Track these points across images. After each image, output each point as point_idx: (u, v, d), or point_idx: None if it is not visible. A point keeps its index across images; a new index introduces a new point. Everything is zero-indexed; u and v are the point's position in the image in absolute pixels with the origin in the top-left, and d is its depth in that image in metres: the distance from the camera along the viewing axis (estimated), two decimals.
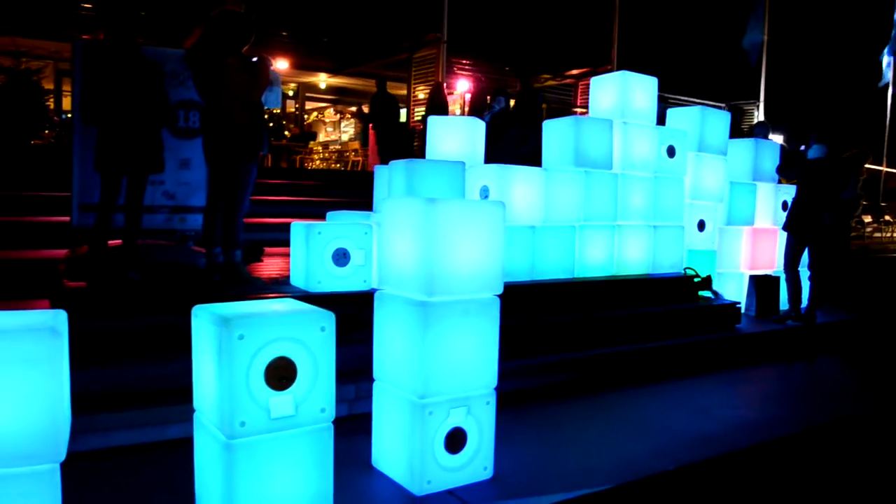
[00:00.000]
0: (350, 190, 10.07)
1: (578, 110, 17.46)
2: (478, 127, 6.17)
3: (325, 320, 2.66)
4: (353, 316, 4.15)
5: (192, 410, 2.79)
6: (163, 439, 3.52)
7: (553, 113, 14.56)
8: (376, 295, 3.34)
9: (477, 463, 3.27)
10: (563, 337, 5.15)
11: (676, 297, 6.26)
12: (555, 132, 5.97)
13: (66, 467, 2.18)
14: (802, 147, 7.67)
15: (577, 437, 4.02)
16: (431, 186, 5.00)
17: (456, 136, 6.07)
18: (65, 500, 2.20)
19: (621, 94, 6.11)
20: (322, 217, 5.78)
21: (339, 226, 4.54)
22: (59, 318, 2.21)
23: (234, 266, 4.82)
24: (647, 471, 3.57)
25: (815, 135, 6.74)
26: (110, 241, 4.88)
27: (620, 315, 5.55)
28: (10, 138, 10.23)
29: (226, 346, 2.44)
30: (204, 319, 2.61)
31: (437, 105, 11.53)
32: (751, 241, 7.15)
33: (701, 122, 6.68)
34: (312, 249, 4.44)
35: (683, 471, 3.69)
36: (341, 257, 4.53)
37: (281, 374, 2.56)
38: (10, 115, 10.37)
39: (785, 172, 7.04)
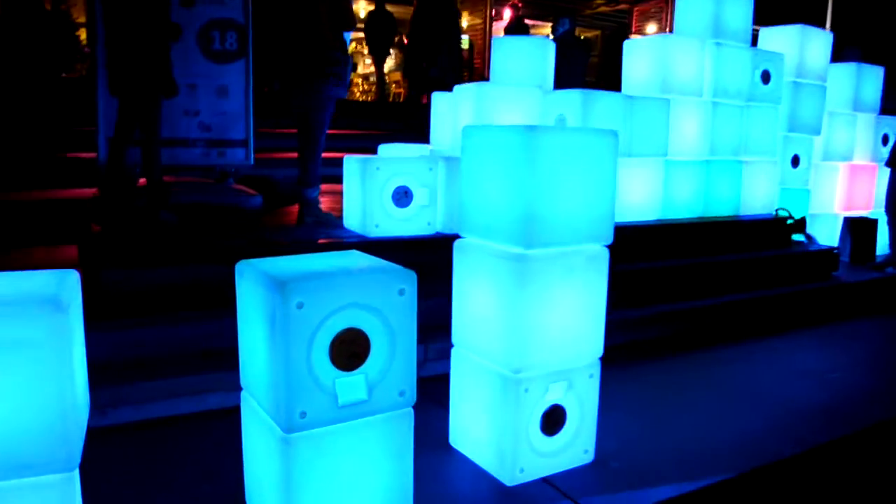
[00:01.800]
0: (397, 121, 9.40)
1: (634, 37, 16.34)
2: (548, 48, 5.43)
3: (405, 281, 2.09)
4: (418, 264, 3.59)
5: (238, 381, 2.28)
6: (203, 409, 3.04)
7: (607, 41, 13.55)
8: (456, 245, 2.75)
9: (577, 446, 2.73)
10: (645, 288, 4.53)
11: (767, 241, 5.57)
12: (638, 53, 5.22)
13: (90, 447, 1.68)
14: None
15: (678, 407, 3.45)
16: (503, 114, 4.34)
17: (523, 58, 5.34)
18: (90, 491, 1.71)
19: (711, 9, 5.30)
20: (372, 151, 5.18)
21: (400, 161, 3.93)
22: (66, 284, 1.67)
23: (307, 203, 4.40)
24: (771, 453, 2.99)
25: None
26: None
27: (707, 262, 4.91)
28: (41, 72, 9.71)
29: (281, 316, 1.88)
30: (252, 280, 2.05)
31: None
32: (847, 178, 6.38)
33: (800, 43, 5.83)
34: (369, 188, 3.85)
35: (812, 454, 3.10)
36: (402, 196, 3.93)
37: (350, 349, 2.01)
38: (41, 48, 9.82)
39: (888, 103, 6.18)
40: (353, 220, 4.11)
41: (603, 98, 4.71)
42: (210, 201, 4.60)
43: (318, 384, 1.96)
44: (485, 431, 2.65)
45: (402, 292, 2.08)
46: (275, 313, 1.90)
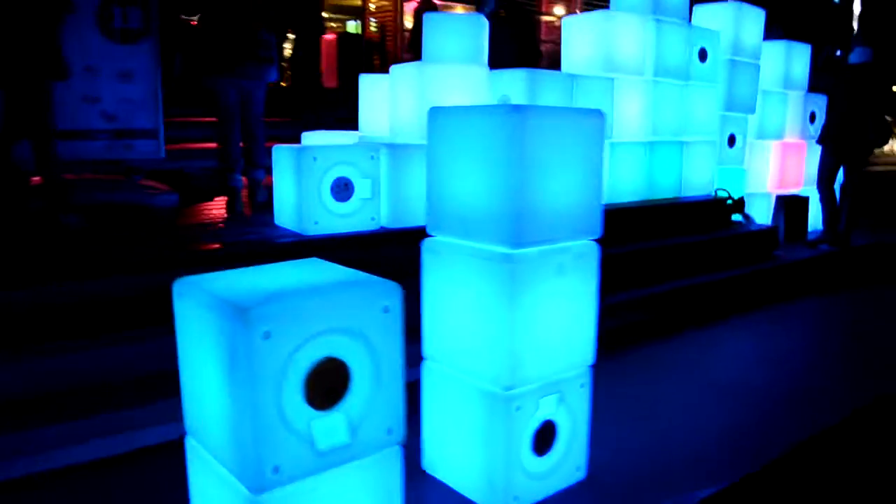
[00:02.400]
0: (309, 108, 8.89)
1: (545, 18, 16.29)
2: (483, 25, 5.09)
3: (389, 296, 1.72)
4: (366, 263, 3.24)
5: (173, 413, 1.86)
6: (129, 450, 2.58)
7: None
8: (426, 245, 2.39)
9: (569, 463, 2.44)
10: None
11: (709, 223, 5.48)
12: (578, 30, 4.98)
13: None
14: (839, 53, 6.84)
15: (657, 403, 3.24)
16: (446, 96, 3.99)
17: (455, 36, 4.99)
18: None
19: None
20: (294, 140, 4.72)
21: (339, 149, 3.53)
22: None
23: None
24: (763, 455, 2.81)
25: (858, 36, 5.91)
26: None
27: (653, 248, 4.74)
28: None
29: (244, 350, 1.48)
30: (199, 303, 1.64)
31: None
32: (780, 156, 6.38)
33: (735, 20, 5.74)
34: (306, 180, 3.43)
35: (797, 453, 2.95)
36: (342, 189, 3.53)
37: (328, 384, 1.63)
38: None
39: (822, 79, 6.20)
40: (286, 216, 3.67)
41: (548, 77, 4.44)
42: (117, 201, 4.05)
43: (290, 429, 1.57)
44: (469, 456, 2.33)
45: (386, 310, 1.71)
46: (235, 347, 1.50)
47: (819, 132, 6.16)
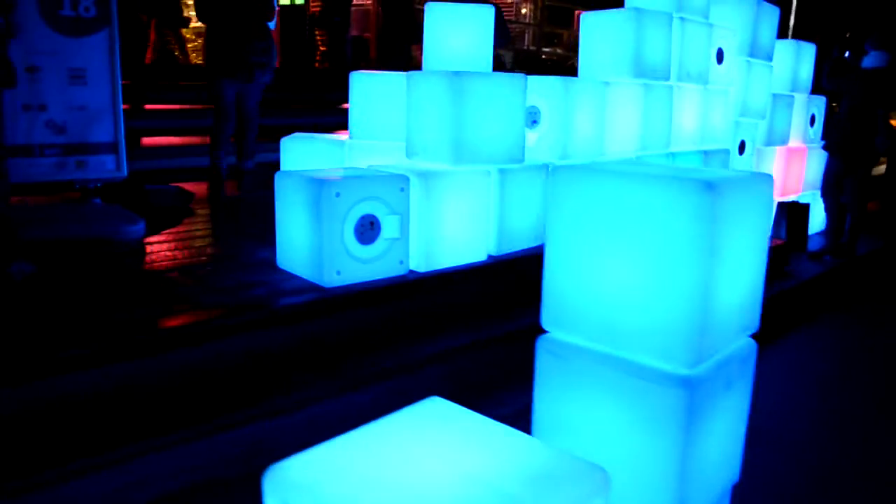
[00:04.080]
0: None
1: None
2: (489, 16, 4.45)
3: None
4: (400, 318, 2.75)
5: None
6: None
7: None
8: (544, 344, 1.80)
9: None
10: None
11: None
12: (599, 28, 4.42)
13: None
14: (847, 54, 6.52)
15: None
16: (482, 113, 3.37)
17: (463, 30, 4.34)
18: None
19: None
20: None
21: (366, 180, 2.85)
22: None
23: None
24: None
25: (874, 39, 5.58)
26: None
27: None
28: None
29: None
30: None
31: None
32: (784, 162, 6.05)
33: (754, 18, 5.30)
34: (327, 221, 2.73)
35: None
36: (367, 229, 2.88)
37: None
38: None
39: (833, 83, 5.84)
40: (296, 261, 2.98)
41: (581, 86, 3.87)
42: (70, 235, 3.26)
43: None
44: None
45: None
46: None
47: (824, 137, 5.85)
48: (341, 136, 4.79)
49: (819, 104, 6.31)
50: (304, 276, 2.93)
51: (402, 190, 2.96)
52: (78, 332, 2.32)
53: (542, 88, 3.75)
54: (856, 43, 5.67)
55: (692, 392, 1.56)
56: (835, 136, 5.74)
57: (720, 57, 5.07)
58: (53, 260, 3.09)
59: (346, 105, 4.63)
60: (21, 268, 2.77)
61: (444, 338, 2.93)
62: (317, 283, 2.85)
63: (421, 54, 4.20)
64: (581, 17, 4.63)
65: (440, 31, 3.97)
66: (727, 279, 1.61)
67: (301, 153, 4.49)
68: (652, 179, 1.59)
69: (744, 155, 5.63)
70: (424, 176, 3.05)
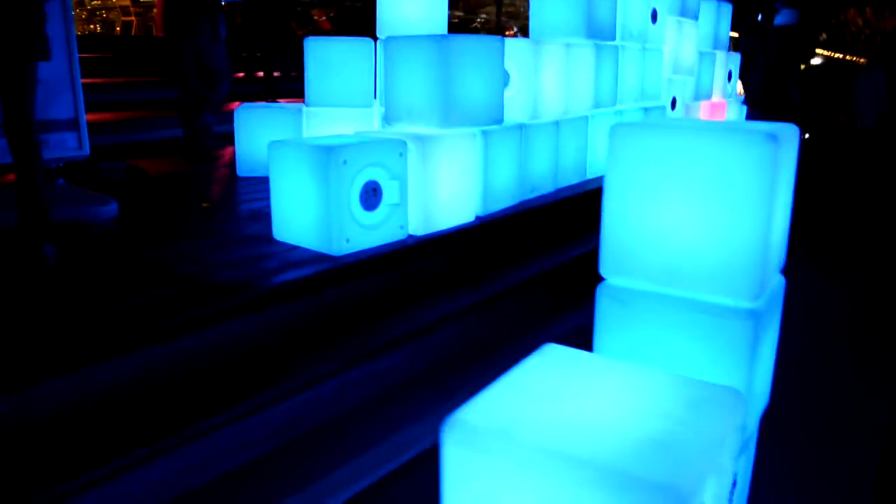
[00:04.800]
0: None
1: None
2: None
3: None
4: (407, 280, 2.82)
5: None
6: None
7: None
8: (605, 291, 1.92)
9: None
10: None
11: None
12: None
13: None
14: (760, 16, 6.91)
15: None
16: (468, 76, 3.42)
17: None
18: None
19: None
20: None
21: (366, 147, 2.86)
22: None
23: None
24: None
25: None
26: None
27: None
28: None
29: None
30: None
31: None
32: (708, 116, 6.42)
33: None
34: (335, 189, 2.75)
35: None
36: (371, 195, 2.91)
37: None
38: None
39: (748, 42, 6.23)
40: (301, 232, 2.96)
41: (548, 48, 3.99)
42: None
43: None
44: None
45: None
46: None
47: (748, 93, 6.25)
48: (293, 104, 4.74)
49: (735, 60, 6.71)
50: (309, 247, 2.93)
51: (401, 155, 3.00)
52: (103, 319, 2.25)
53: (511, 51, 3.83)
54: (767, 3, 6.04)
55: (757, 322, 1.73)
56: (754, 92, 6.15)
57: (654, 17, 5.30)
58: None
59: None
60: (50, 251, 2.65)
61: (453, 298, 3.02)
62: (325, 252, 2.86)
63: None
64: None
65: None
66: (778, 220, 1.77)
67: (256, 123, 4.41)
68: (717, 133, 1.72)
69: (675, 110, 5.95)
70: (421, 140, 3.10)
